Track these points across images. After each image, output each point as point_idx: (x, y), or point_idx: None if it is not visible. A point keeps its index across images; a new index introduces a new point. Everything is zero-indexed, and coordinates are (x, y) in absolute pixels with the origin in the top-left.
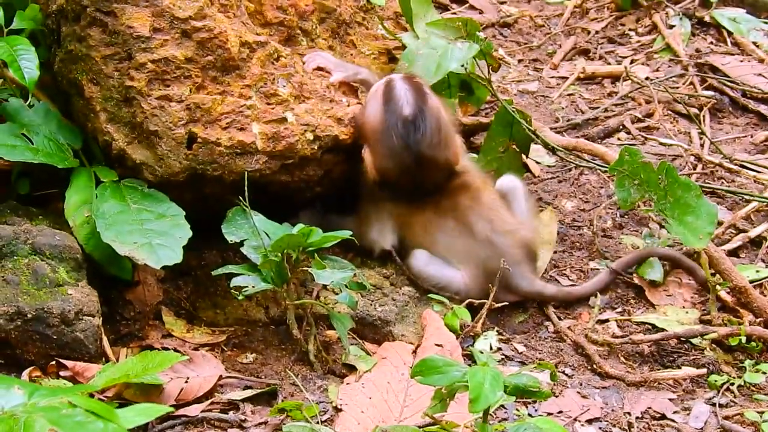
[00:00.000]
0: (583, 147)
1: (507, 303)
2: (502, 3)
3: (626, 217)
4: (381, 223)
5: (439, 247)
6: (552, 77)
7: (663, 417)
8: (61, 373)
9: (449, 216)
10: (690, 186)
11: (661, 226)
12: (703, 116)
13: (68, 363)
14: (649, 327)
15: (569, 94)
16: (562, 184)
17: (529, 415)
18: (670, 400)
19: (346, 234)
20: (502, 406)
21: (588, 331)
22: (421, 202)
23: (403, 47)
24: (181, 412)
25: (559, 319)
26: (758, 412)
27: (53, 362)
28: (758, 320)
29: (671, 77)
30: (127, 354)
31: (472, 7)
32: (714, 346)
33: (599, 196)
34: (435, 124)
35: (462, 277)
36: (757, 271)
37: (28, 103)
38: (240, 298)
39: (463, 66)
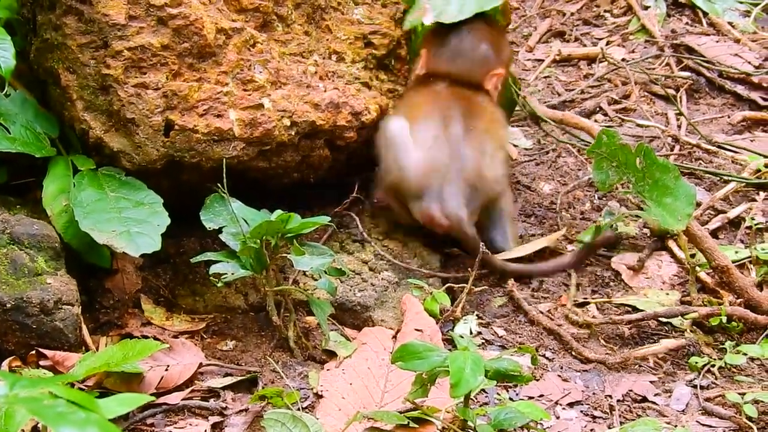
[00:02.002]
0: (569, 120)
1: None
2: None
3: (605, 199)
4: (396, 111)
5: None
6: (528, 60)
7: (644, 399)
8: (41, 363)
9: (441, 112)
10: (668, 167)
11: (640, 208)
12: (680, 97)
13: (48, 352)
14: (629, 309)
15: (545, 77)
16: (540, 166)
17: (510, 399)
18: (651, 382)
19: (325, 220)
20: (483, 390)
21: (568, 312)
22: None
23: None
24: (161, 400)
25: (537, 301)
26: (740, 394)
27: (33, 352)
28: (738, 301)
29: (647, 58)
30: (106, 343)
31: None
32: (694, 327)
33: (577, 179)
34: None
35: (418, 164)
36: (737, 252)
37: (4, 92)
38: (219, 285)
39: None
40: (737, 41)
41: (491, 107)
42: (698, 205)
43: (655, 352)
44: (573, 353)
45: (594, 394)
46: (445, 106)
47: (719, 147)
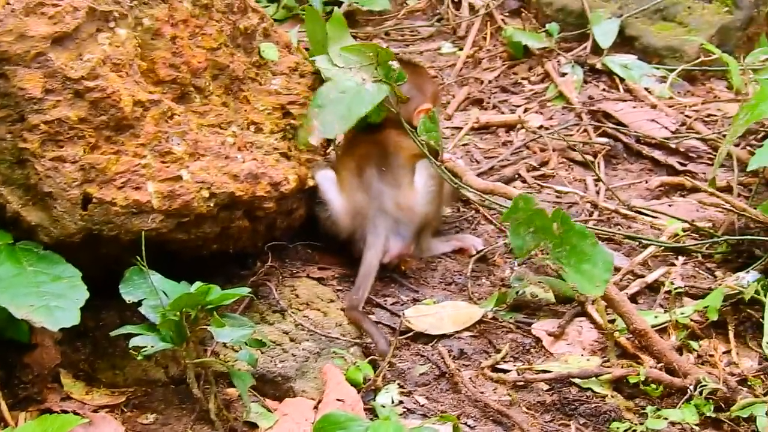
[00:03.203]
0: (499, 191)
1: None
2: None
3: (524, 266)
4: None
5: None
6: (446, 128)
7: None
8: None
9: (366, 156)
10: (585, 234)
11: (560, 275)
12: (598, 163)
13: None
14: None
15: (464, 144)
16: (460, 234)
17: None
18: None
19: (244, 291)
20: None
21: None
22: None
23: (312, 88)
24: None
25: (458, 368)
26: None
27: None
28: (659, 365)
29: (565, 125)
30: (26, 418)
31: None
32: (615, 393)
33: (497, 246)
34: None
35: (341, 206)
36: (656, 317)
37: None
38: (139, 358)
39: None
40: (654, 107)
41: (407, 143)
42: (617, 270)
43: None
44: (496, 418)
45: None
46: (361, 153)
47: (637, 212)
